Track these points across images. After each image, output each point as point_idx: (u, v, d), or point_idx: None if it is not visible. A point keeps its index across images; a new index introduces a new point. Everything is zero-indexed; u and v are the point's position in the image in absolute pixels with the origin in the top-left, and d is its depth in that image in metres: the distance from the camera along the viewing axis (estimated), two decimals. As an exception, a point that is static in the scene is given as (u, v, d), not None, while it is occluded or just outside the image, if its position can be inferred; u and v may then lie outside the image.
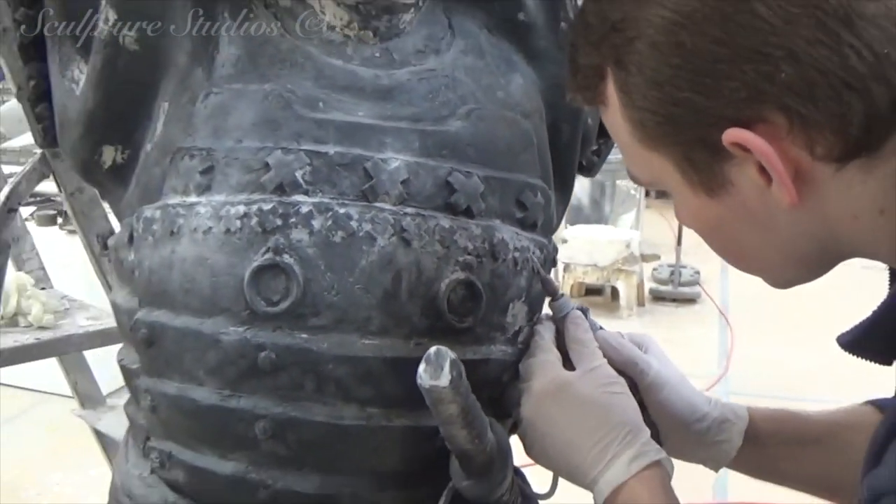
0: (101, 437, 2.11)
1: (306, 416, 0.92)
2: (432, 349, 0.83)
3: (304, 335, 0.91)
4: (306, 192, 0.92)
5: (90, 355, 2.29)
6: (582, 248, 5.50)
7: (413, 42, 1.04)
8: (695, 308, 5.86)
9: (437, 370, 0.82)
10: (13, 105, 6.75)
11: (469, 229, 0.96)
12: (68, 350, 1.97)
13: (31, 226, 4.20)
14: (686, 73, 0.74)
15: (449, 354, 0.82)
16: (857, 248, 0.80)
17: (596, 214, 5.99)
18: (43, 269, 2.10)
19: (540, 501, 1.08)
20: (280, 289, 0.90)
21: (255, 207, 0.91)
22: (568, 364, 0.98)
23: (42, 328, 1.95)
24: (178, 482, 0.99)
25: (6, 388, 4.02)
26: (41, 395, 4.14)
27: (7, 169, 5.62)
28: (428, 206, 0.95)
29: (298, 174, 0.92)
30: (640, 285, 5.80)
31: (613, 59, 0.79)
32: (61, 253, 3.78)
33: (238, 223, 0.91)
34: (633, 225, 6.12)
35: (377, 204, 0.93)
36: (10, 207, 1.51)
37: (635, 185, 6.33)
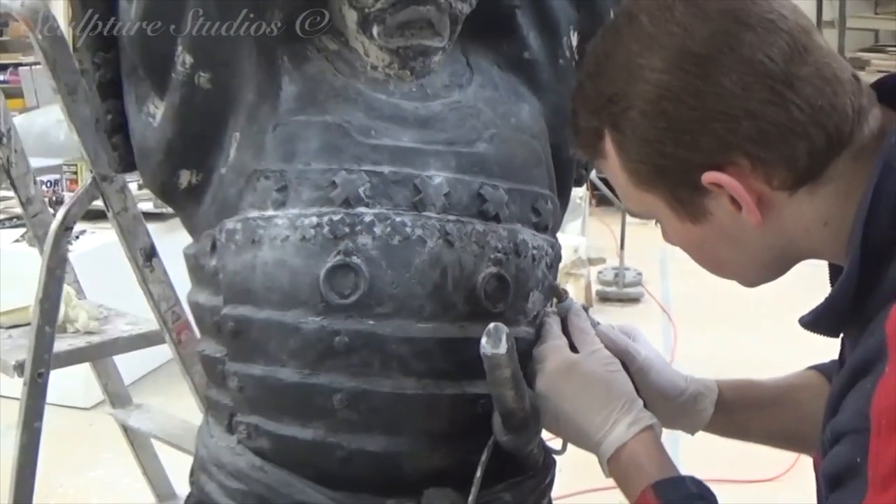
0: (129, 432, 2.21)
1: (375, 388, 1.05)
2: (491, 325, 0.98)
3: (371, 322, 1.05)
4: (368, 205, 1.06)
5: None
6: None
7: (441, 79, 1.17)
8: (639, 307, 5.93)
9: (496, 341, 0.97)
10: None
11: (498, 232, 1.10)
12: (116, 352, 2.08)
13: (24, 245, 4.23)
14: (670, 133, 0.89)
15: (504, 329, 0.97)
16: (809, 253, 0.96)
17: (545, 222, 6.11)
18: (77, 281, 2.20)
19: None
20: (350, 284, 1.04)
21: (325, 218, 1.05)
22: (572, 350, 1.11)
23: (89, 333, 2.06)
24: (263, 450, 1.11)
25: (3, 399, 4.06)
26: (35, 405, 4.18)
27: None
28: (465, 213, 1.09)
29: (361, 190, 1.06)
30: (588, 287, 5.91)
31: (610, 123, 0.94)
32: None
33: (312, 231, 1.05)
34: (579, 231, 6.23)
35: (425, 213, 1.07)
36: (67, 226, 1.61)
37: (581, 195, 6.50)
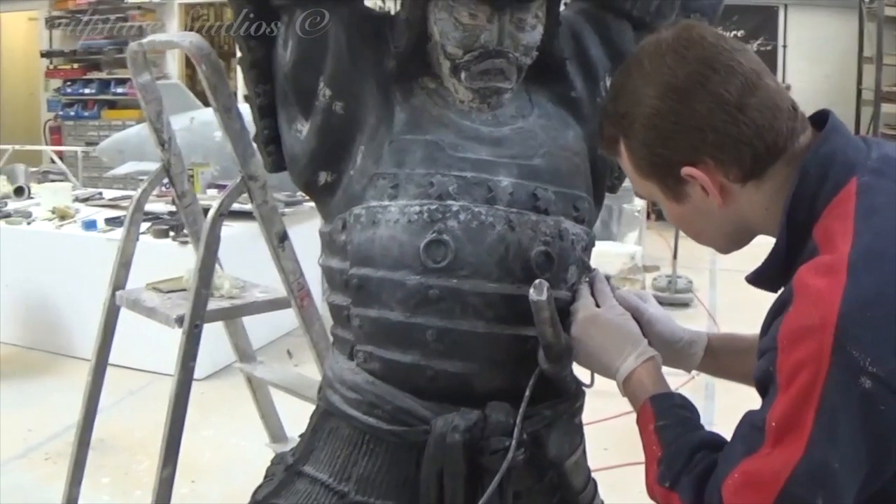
0: (253, 382, 2.55)
1: (456, 327, 1.36)
2: (537, 280, 1.30)
3: (455, 280, 1.36)
4: (455, 199, 1.38)
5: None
6: (594, 261, 5.71)
7: (509, 111, 1.49)
8: (688, 311, 6.10)
9: (540, 292, 1.30)
10: (111, 141, 7.30)
11: (547, 221, 1.41)
12: (253, 312, 2.42)
13: (149, 238, 4.66)
14: (660, 140, 1.17)
15: (546, 283, 1.30)
16: (758, 229, 1.22)
17: (606, 233, 6.22)
18: (219, 258, 2.58)
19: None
20: (441, 254, 1.36)
21: (426, 208, 1.37)
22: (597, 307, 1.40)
23: (232, 297, 2.41)
24: (375, 370, 1.42)
25: (129, 370, 4.49)
26: (154, 374, 4.60)
27: (110, 193, 6.06)
28: (524, 207, 1.40)
29: (450, 189, 1.38)
30: (643, 292, 6.10)
31: (622, 132, 1.23)
32: (174, 258, 4.27)
33: (416, 216, 1.37)
34: (636, 241, 6.40)
35: (496, 206, 1.38)
36: (221, 213, 1.93)
37: (638, 209, 6.75)
